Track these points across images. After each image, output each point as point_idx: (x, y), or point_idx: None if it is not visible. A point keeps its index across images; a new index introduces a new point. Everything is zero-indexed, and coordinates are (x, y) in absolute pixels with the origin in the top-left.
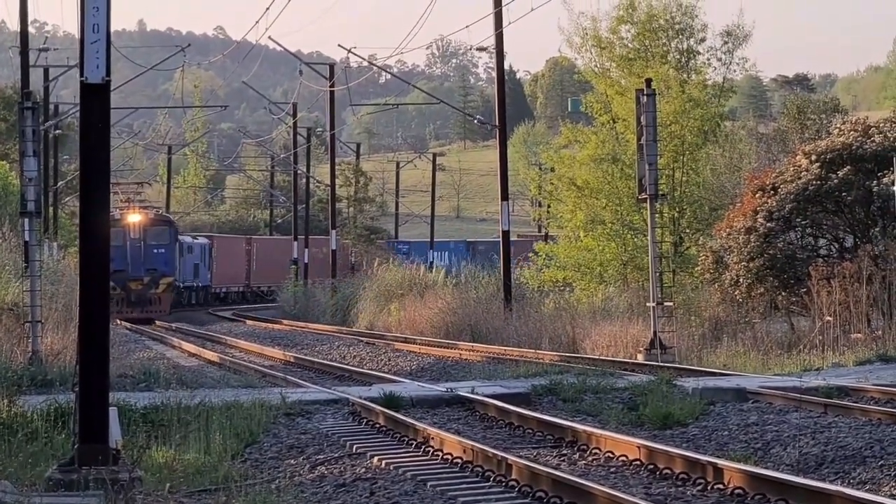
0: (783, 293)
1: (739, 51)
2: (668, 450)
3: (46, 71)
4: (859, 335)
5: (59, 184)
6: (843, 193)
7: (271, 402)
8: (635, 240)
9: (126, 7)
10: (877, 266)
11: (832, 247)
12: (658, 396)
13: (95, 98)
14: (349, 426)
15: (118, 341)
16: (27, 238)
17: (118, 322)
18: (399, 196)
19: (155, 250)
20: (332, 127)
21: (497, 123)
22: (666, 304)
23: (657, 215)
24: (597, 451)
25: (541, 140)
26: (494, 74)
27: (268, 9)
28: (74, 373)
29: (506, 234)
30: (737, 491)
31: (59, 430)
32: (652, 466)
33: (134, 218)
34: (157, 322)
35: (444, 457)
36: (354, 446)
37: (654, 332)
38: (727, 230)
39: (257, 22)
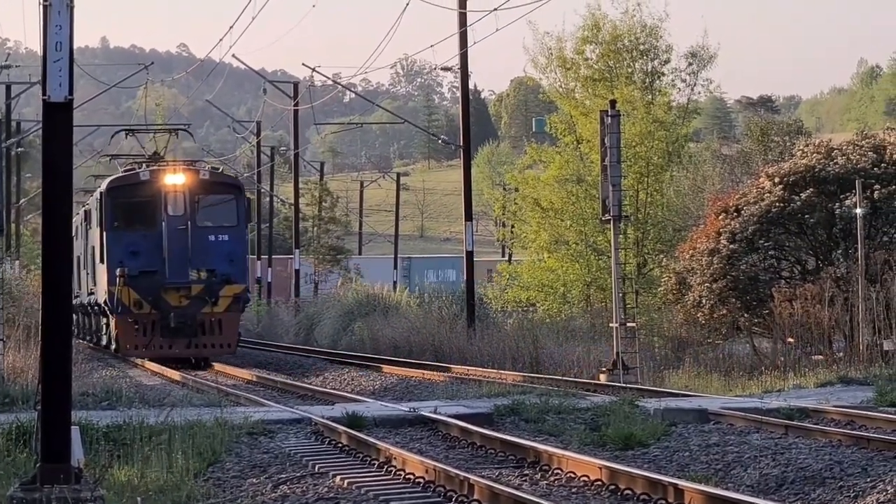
0: (746, 314)
1: (704, 72)
2: (629, 470)
3: (8, 88)
4: (820, 357)
5: (22, 201)
6: (806, 216)
7: (234, 421)
8: (599, 261)
9: (89, 24)
10: (839, 288)
11: (794, 269)
12: (620, 417)
13: (58, 116)
14: (312, 446)
15: (80, 359)
16: None
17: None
18: (363, 215)
19: (213, 237)
20: (297, 146)
21: (461, 143)
22: (629, 324)
23: (621, 236)
24: (559, 471)
25: (505, 160)
26: (459, 94)
27: (231, 27)
28: (36, 391)
29: (469, 254)
30: None
31: (21, 448)
32: (613, 487)
33: (176, 179)
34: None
35: (407, 477)
36: (317, 466)
37: (617, 353)
38: (690, 252)
39: (221, 40)
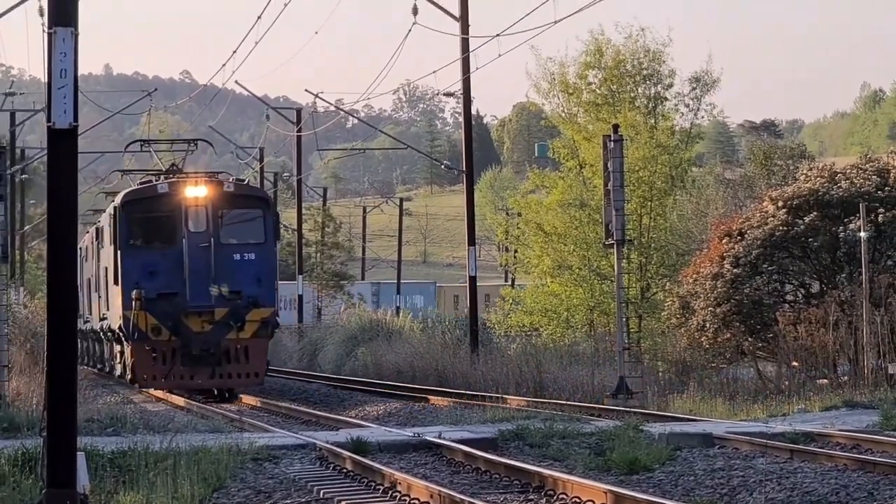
0: (750, 338)
1: (707, 97)
2: (634, 495)
3: (13, 115)
4: (825, 381)
5: (26, 228)
6: (810, 239)
7: (239, 446)
8: (602, 285)
9: (92, 51)
10: (843, 312)
11: (798, 292)
12: (625, 441)
13: (63, 143)
14: (316, 471)
15: (85, 386)
16: None
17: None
18: (366, 241)
19: (238, 255)
20: (300, 171)
21: (464, 168)
22: (633, 349)
23: (624, 261)
24: (563, 496)
25: (508, 185)
26: (461, 119)
27: (235, 51)
28: (42, 417)
29: (473, 279)
30: None
31: (27, 474)
32: None
33: (197, 192)
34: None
35: (412, 502)
36: (322, 491)
37: (621, 377)
38: (694, 276)
39: (224, 65)
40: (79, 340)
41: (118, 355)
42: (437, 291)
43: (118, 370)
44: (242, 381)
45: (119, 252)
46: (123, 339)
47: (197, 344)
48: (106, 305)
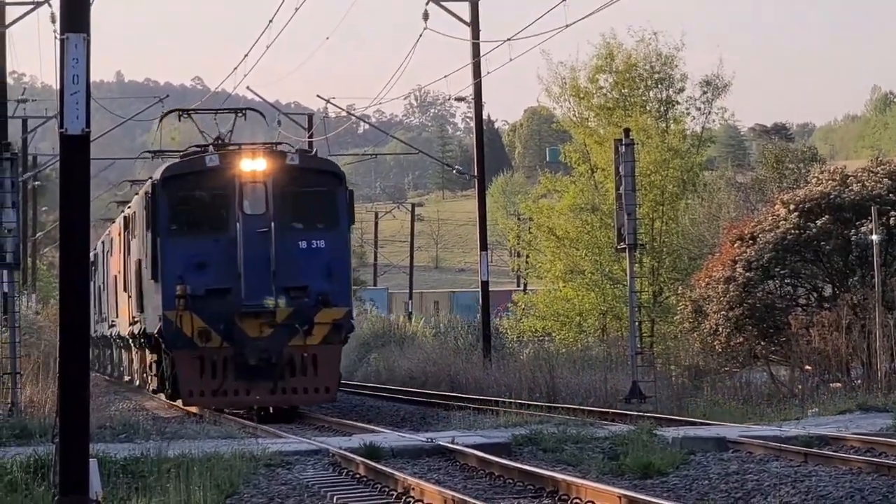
0: (762, 342)
1: (719, 101)
2: (648, 499)
3: (25, 122)
4: (839, 384)
5: (38, 235)
6: (822, 243)
7: (251, 452)
8: (614, 290)
9: (104, 58)
10: (855, 315)
11: (811, 296)
12: (638, 446)
13: (75, 149)
14: (330, 477)
15: (98, 392)
16: (6, 290)
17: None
18: (378, 246)
19: (304, 243)
20: None
21: (476, 173)
22: (645, 353)
23: (636, 265)
24: (577, 500)
25: (519, 190)
26: (473, 124)
27: (246, 55)
28: (54, 424)
29: (485, 284)
30: None
31: (40, 481)
32: None
33: (255, 165)
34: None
35: None
36: (335, 497)
37: (634, 382)
38: (706, 280)
39: (235, 69)
40: (104, 348)
41: (154, 366)
42: (389, 297)
43: (153, 383)
44: (309, 396)
45: (158, 240)
46: (163, 345)
47: (254, 352)
48: (138, 306)
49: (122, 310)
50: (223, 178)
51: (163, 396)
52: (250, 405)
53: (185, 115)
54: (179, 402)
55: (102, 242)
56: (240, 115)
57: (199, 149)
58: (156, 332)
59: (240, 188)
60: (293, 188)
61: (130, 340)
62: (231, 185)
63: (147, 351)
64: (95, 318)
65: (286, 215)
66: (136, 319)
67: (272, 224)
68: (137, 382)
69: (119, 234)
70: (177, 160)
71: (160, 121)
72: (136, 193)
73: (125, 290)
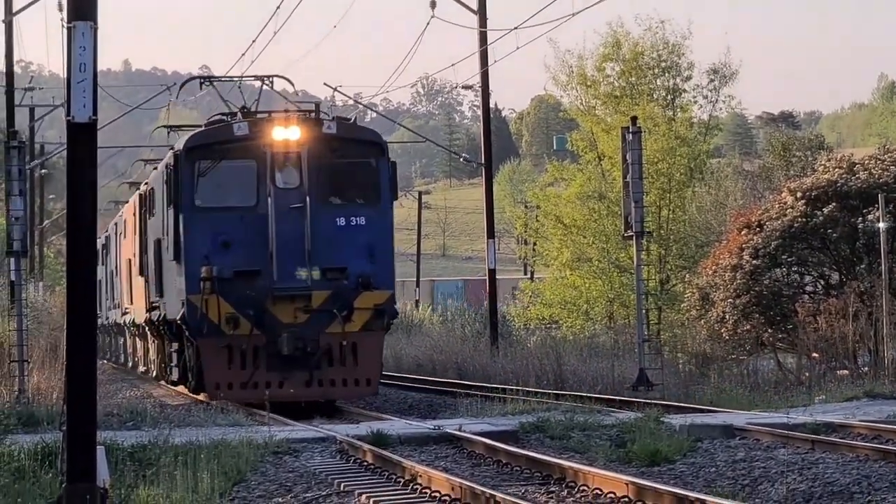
0: (769, 330)
1: (726, 88)
2: (656, 486)
3: (32, 110)
4: (845, 372)
5: (45, 223)
6: (829, 230)
7: (259, 440)
8: (621, 277)
9: (111, 47)
10: (862, 303)
11: (818, 283)
12: (645, 433)
13: (82, 137)
14: (337, 464)
15: (105, 380)
16: (13, 277)
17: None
18: None
19: (343, 220)
20: None
21: (483, 161)
22: (652, 340)
23: (643, 253)
24: (585, 487)
25: (526, 178)
26: (480, 112)
27: (253, 42)
28: (61, 412)
29: (492, 272)
30: None
31: (47, 469)
32: (640, 503)
33: (288, 134)
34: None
35: (433, 494)
36: (342, 484)
37: (641, 369)
38: (713, 267)
39: (242, 55)
40: (116, 336)
41: (174, 356)
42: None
43: (175, 374)
44: (349, 389)
45: (181, 216)
46: (186, 333)
47: (288, 340)
48: (157, 290)
49: (137, 295)
50: (253, 149)
51: (182, 388)
52: (283, 399)
53: (208, 84)
54: (203, 396)
55: (115, 224)
56: (266, 82)
57: (224, 117)
58: (178, 318)
59: (271, 159)
60: (330, 159)
61: (147, 328)
62: (262, 155)
63: (167, 339)
64: (108, 305)
65: (323, 189)
66: (154, 305)
67: (307, 199)
68: (155, 373)
69: (134, 214)
70: (201, 129)
71: (179, 89)
72: (155, 168)
73: (141, 273)
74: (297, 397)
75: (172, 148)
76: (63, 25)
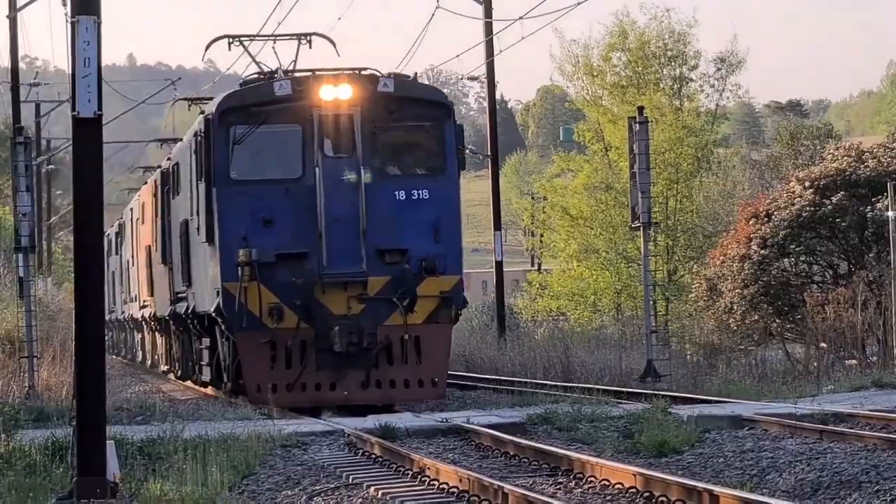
0: (778, 320)
1: (733, 77)
2: (664, 477)
3: (38, 106)
4: (854, 361)
5: (53, 219)
6: (837, 219)
7: (267, 433)
8: (629, 268)
9: (115, 41)
10: (871, 292)
11: (826, 273)
12: (653, 424)
13: (87, 132)
14: (345, 457)
15: (114, 375)
16: (22, 273)
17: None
18: None
19: (403, 193)
20: None
21: (489, 153)
22: (660, 331)
23: (651, 243)
24: (593, 479)
25: (533, 169)
26: (486, 104)
27: (258, 33)
28: (72, 407)
29: (499, 264)
30: None
31: (58, 463)
32: (648, 494)
33: (338, 93)
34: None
35: (441, 486)
36: (351, 477)
37: (649, 360)
38: (721, 258)
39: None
40: (132, 331)
41: (204, 353)
42: None
43: (206, 374)
44: (411, 391)
45: (214, 191)
46: (222, 327)
47: (341, 334)
48: (185, 278)
49: (159, 286)
50: (297, 111)
51: (209, 390)
52: (335, 403)
53: (236, 43)
54: (241, 400)
55: (131, 209)
56: (304, 41)
57: (261, 76)
58: (212, 310)
59: (319, 123)
60: (388, 122)
61: (171, 322)
62: (308, 118)
63: (195, 334)
64: (122, 298)
65: (379, 157)
66: (180, 295)
67: (361, 169)
68: (179, 372)
69: (154, 195)
70: (237, 89)
71: (207, 48)
72: (178, 141)
73: (163, 261)
74: (350, 400)
75: (203, 112)
76: (67, 20)
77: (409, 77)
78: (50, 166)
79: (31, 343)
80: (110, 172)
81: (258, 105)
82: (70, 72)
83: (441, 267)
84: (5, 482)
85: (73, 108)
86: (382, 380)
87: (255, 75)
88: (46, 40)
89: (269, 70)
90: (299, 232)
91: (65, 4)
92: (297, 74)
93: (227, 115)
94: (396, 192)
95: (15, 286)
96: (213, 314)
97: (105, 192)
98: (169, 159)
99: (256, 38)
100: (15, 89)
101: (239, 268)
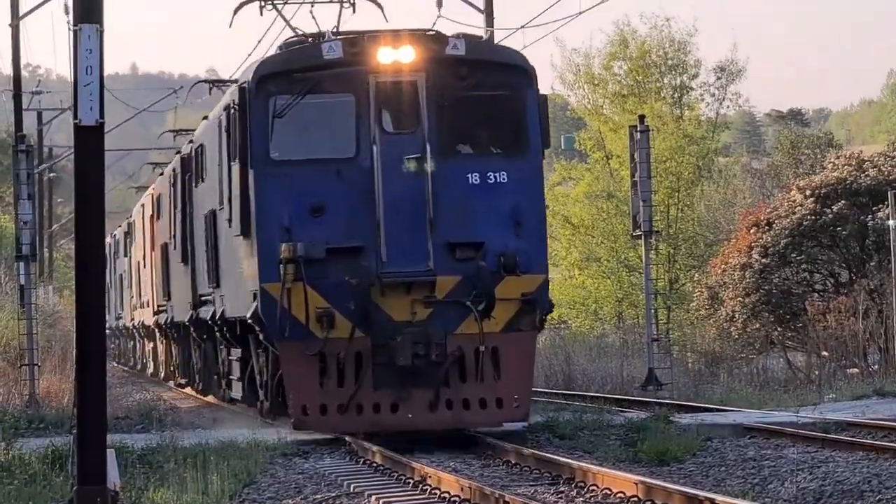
0: (779, 328)
1: (733, 86)
2: (665, 485)
3: (40, 114)
4: (856, 370)
5: (54, 227)
6: (838, 228)
7: (268, 441)
8: (630, 277)
9: (118, 50)
10: (872, 300)
11: (828, 282)
12: (655, 433)
13: (90, 140)
14: (346, 466)
15: (115, 383)
16: (23, 282)
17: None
18: None
19: (477, 177)
20: None
21: None
22: (662, 340)
23: (652, 252)
24: (594, 487)
25: None
26: None
27: (259, 41)
28: (72, 415)
29: None
30: None
31: (58, 472)
32: (650, 502)
33: (399, 56)
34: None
35: (442, 495)
36: (352, 486)
37: (651, 369)
38: (722, 266)
39: (249, 55)
40: (144, 340)
41: (235, 365)
42: None
43: (237, 391)
44: (488, 414)
45: (251, 173)
46: (260, 336)
47: (404, 345)
48: (212, 279)
49: (178, 288)
50: (350, 78)
51: (243, 407)
52: (399, 428)
53: (269, 7)
54: (284, 424)
55: (142, 206)
56: (346, 4)
57: (303, 38)
58: (247, 316)
59: (376, 92)
60: (459, 91)
61: (193, 329)
62: (363, 87)
63: (222, 344)
64: (132, 303)
65: (449, 133)
66: (205, 299)
67: (427, 147)
68: (199, 387)
69: (171, 185)
70: (277, 52)
71: (235, 13)
72: (204, 118)
73: (183, 260)
74: (416, 425)
75: (238, 81)
76: (69, 28)
77: (481, 37)
78: (52, 174)
79: (32, 351)
80: (112, 180)
81: (303, 70)
82: (72, 80)
83: (523, 264)
84: (5, 491)
85: (75, 116)
86: (454, 400)
87: (296, 37)
88: (49, 48)
89: (310, 34)
90: (353, 222)
91: (67, 12)
92: (349, 37)
93: (266, 82)
94: (469, 176)
95: (16, 294)
96: (249, 321)
97: (106, 200)
98: (191, 142)
99: (290, 1)
100: (17, 97)
101: (281, 265)
